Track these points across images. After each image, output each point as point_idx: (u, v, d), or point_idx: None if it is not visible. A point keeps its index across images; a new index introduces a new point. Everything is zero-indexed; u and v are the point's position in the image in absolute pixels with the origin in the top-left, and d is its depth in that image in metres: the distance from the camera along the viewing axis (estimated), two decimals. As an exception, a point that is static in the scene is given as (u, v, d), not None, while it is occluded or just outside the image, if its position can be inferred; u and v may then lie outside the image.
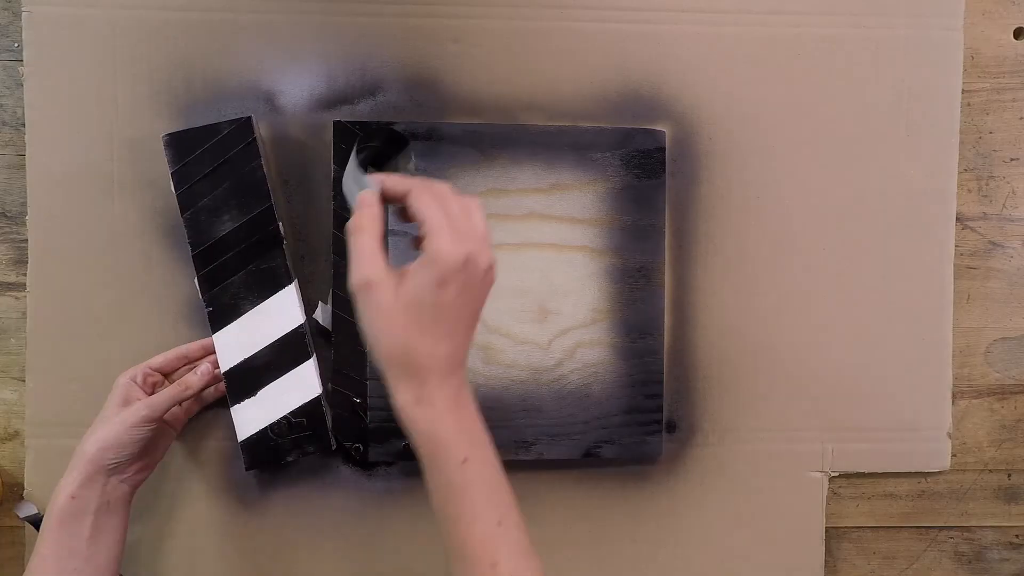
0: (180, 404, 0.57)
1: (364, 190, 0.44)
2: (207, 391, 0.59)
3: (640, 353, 0.62)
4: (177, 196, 0.58)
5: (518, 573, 0.42)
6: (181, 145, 0.58)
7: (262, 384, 0.58)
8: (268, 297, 0.58)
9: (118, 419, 0.53)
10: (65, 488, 0.51)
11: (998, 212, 0.67)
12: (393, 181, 0.44)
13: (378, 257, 0.42)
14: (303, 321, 0.59)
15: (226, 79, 0.61)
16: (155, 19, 0.60)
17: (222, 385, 0.59)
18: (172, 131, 0.58)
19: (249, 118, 0.58)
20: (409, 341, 0.41)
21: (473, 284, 0.42)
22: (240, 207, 0.58)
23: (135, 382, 0.55)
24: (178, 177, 0.58)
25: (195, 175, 0.58)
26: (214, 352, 0.58)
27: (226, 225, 0.58)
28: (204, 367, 0.57)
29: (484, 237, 0.43)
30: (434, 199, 0.43)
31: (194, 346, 0.59)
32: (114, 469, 0.53)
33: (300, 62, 0.61)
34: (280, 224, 0.59)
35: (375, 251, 0.42)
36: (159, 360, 0.57)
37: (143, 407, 0.53)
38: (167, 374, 0.58)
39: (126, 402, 0.54)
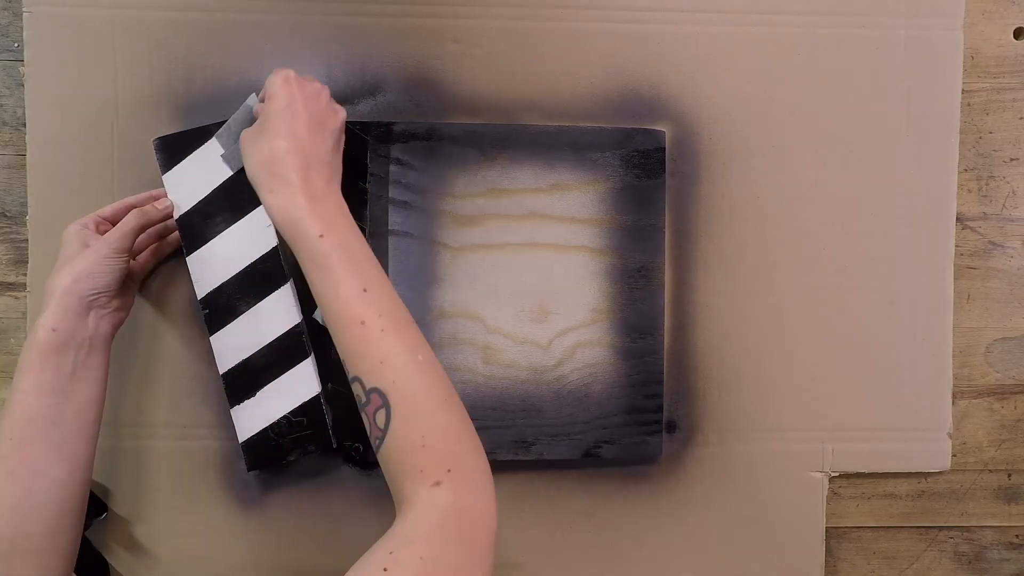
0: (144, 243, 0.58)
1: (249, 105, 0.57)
2: (170, 237, 0.60)
3: (640, 353, 0.62)
4: (169, 200, 0.58)
5: (388, 328, 0.46)
6: (171, 148, 0.58)
7: (261, 384, 0.58)
8: (264, 297, 0.58)
9: (89, 251, 0.52)
10: (46, 321, 0.50)
11: (998, 212, 0.67)
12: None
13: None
14: (300, 320, 0.59)
15: (226, 79, 0.61)
16: (155, 19, 0.60)
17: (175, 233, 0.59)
18: (162, 135, 0.58)
19: None
20: (254, 148, 0.51)
21: (300, 95, 0.51)
22: (233, 208, 0.58)
23: (87, 228, 0.55)
24: (169, 181, 0.58)
25: (186, 179, 0.58)
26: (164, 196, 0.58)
27: (219, 227, 0.58)
28: (163, 200, 0.57)
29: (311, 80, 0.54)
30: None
31: (141, 196, 0.58)
32: (93, 302, 0.52)
33: (300, 62, 0.61)
34: (274, 224, 0.58)
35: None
36: (108, 210, 0.57)
37: (112, 235, 0.53)
38: (116, 224, 0.57)
39: (85, 245, 0.53)
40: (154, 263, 0.60)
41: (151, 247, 0.60)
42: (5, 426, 0.49)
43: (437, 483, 0.43)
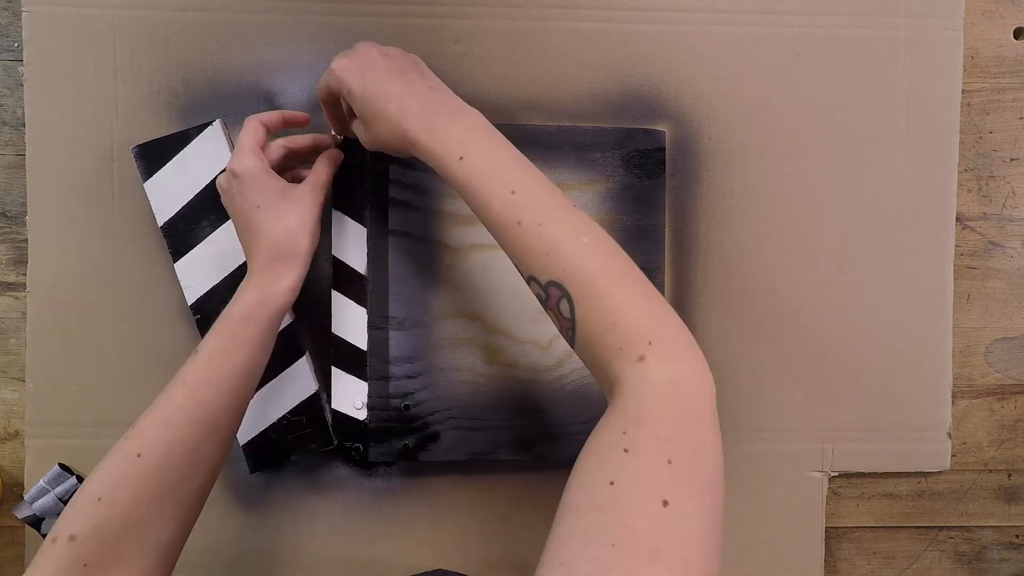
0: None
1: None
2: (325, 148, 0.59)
3: (640, 353, 0.62)
4: (153, 207, 0.58)
5: (544, 221, 0.46)
6: (152, 155, 0.58)
7: (258, 386, 0.58)
8: None
9: (299, 208, 0.53)
10: (291, 286, 0.52)
11: (998, 212, 0.67)
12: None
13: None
14: (292, 319, 0.59)
15: (226, 79, 0.61)
16: (155, 19, 0.60)
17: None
18: (141, 142, 0.58)
19: (217, 122, 0.58)
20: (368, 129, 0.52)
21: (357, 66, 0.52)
22: (218, 211, 0.58)
23: (264, 124, 0.54)
24: (151, 188, 0.58)
25: (169, 184, 0.58)
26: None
27: (205, 231, 0.58)
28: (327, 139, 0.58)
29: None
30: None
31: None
32: (300, 253, 0.53)
33: (300, 62, 0.61)
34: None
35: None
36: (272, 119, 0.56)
37: (318, 193, 0.54)
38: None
39: (257, 144, 0.53)
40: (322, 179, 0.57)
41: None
42: (214, 378, 0.50)
43: (641, 358, 0.42)
